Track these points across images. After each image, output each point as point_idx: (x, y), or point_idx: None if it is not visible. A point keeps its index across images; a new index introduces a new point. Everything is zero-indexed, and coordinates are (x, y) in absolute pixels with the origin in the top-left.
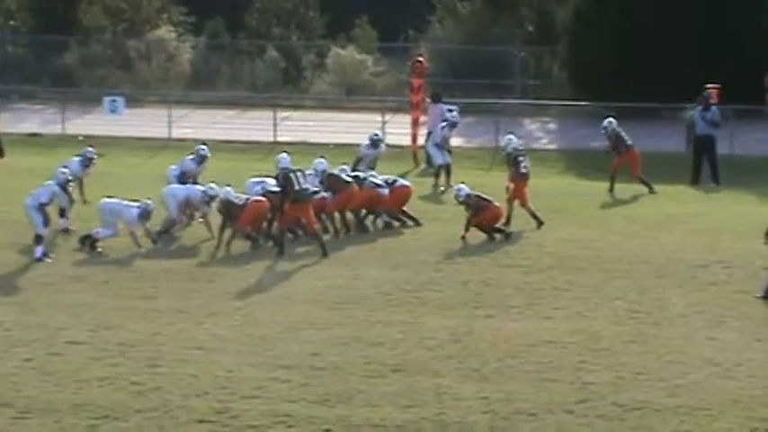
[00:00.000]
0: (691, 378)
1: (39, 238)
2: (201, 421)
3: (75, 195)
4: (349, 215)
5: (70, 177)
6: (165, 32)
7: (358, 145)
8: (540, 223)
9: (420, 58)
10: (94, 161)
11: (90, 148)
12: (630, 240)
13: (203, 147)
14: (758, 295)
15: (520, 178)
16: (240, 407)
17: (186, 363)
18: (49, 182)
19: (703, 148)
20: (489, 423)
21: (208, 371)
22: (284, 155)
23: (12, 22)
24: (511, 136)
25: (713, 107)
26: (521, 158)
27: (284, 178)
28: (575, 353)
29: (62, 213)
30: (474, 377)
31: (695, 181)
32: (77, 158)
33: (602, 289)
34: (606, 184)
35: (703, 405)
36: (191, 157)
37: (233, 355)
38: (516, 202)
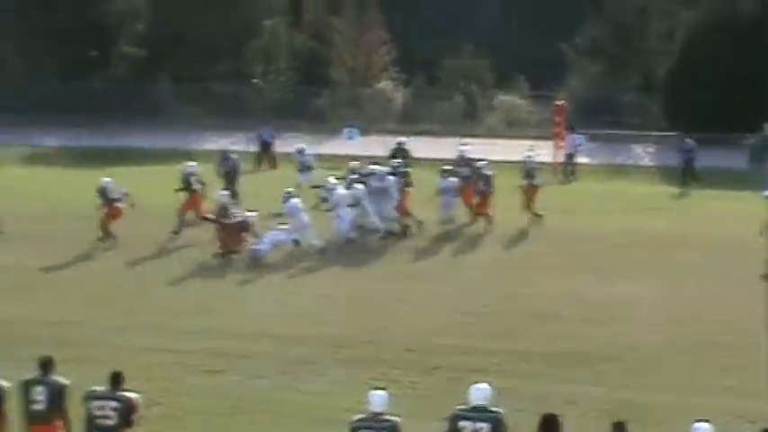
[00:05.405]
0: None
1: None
2: (409, 350)
3: None
4: None
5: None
6: (385, 85)
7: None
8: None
9: (560, 102)
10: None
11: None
12: (712, 227)
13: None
14: None
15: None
16: (442, 341)
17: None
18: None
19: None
20: (599, 351)
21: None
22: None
23: (281, 78)
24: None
25: None
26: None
27: None
28: (666, 308)
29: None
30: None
31: None
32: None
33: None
34: (704, 191)
35: None
36: None
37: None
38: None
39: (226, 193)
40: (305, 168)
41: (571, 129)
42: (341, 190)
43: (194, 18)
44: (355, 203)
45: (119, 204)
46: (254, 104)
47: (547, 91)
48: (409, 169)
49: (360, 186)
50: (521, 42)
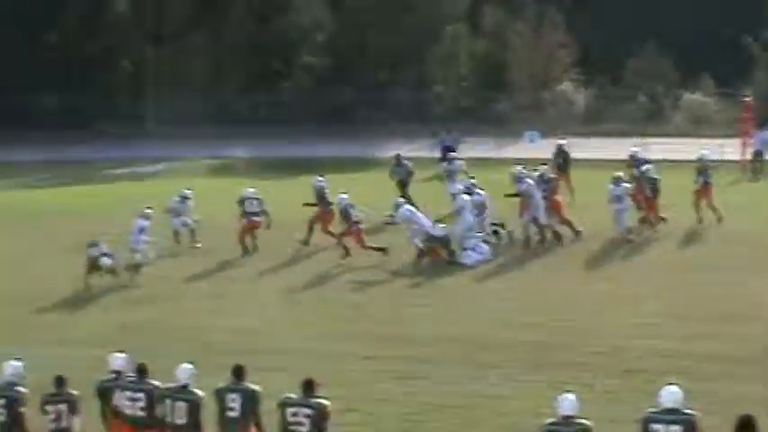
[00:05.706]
0: None
1: None
2: (599, 353)
3: None
4: None
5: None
6: (566, 86)
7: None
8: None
9: (747, 98)
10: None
11: None
12: None
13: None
14: None
15: None
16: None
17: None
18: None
19: None
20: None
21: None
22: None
23: (463, 83)
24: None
25: None
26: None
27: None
28: None
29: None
30: None
31: None
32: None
33: None
34: None
35: None
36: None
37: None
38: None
39: (345, 195)
40: (451, 175)
41: (761, 125)
42: (465, 195)
43: (375, 26)
44: (478, 210)
45: (256, 218)
46: (435, 110)
47: (733, 88)
48: (553, 175)
49: (482, 192)
50: (705, 40)
